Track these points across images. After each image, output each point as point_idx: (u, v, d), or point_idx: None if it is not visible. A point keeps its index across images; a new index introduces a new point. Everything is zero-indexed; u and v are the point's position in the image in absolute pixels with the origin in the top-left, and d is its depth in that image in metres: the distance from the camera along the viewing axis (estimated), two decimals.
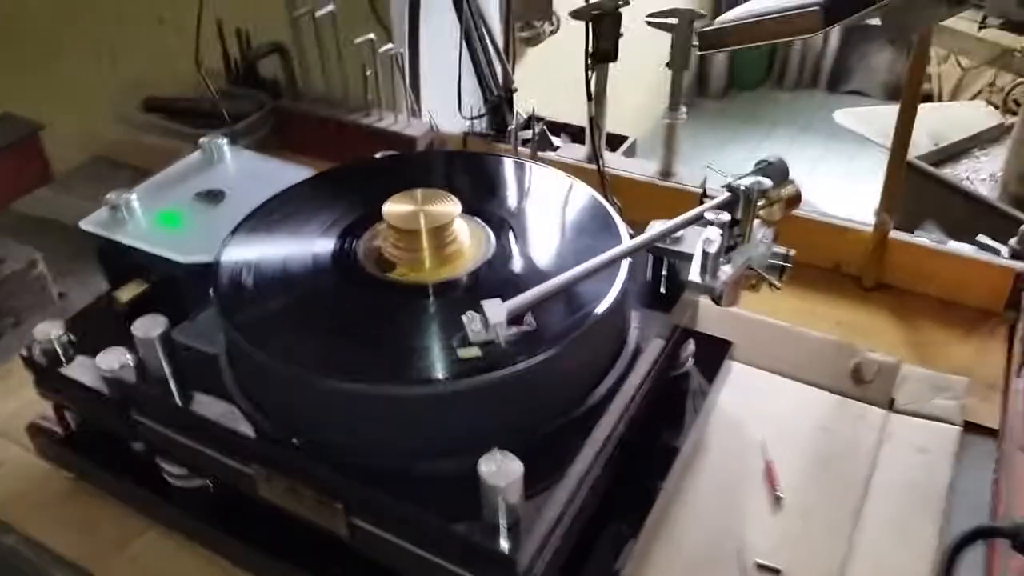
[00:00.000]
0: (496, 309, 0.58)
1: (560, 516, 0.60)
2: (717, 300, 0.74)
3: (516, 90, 1.32)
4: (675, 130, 1.16)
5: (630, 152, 1.57)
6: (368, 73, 1.24)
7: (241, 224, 0.75)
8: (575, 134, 1.44)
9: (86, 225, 0.80)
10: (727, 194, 0.70)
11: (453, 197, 0.70)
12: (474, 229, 0.73)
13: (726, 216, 0.66)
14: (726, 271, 0.68)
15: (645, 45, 1.16)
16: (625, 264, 0.68)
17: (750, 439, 0.86)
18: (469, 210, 0.74)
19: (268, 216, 0.77)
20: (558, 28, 2.20)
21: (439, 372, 0.59)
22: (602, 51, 1.13)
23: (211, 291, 0.68)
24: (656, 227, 0.70)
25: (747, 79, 3.96)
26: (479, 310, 0.58)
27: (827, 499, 0.80)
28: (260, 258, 0.71)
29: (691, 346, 0.84)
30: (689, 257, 0.72)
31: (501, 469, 0.54)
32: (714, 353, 0.87)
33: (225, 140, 0.88)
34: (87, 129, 1.44)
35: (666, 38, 1.10)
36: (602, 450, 0.65)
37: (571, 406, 0.64)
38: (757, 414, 0.89)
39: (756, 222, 0.72)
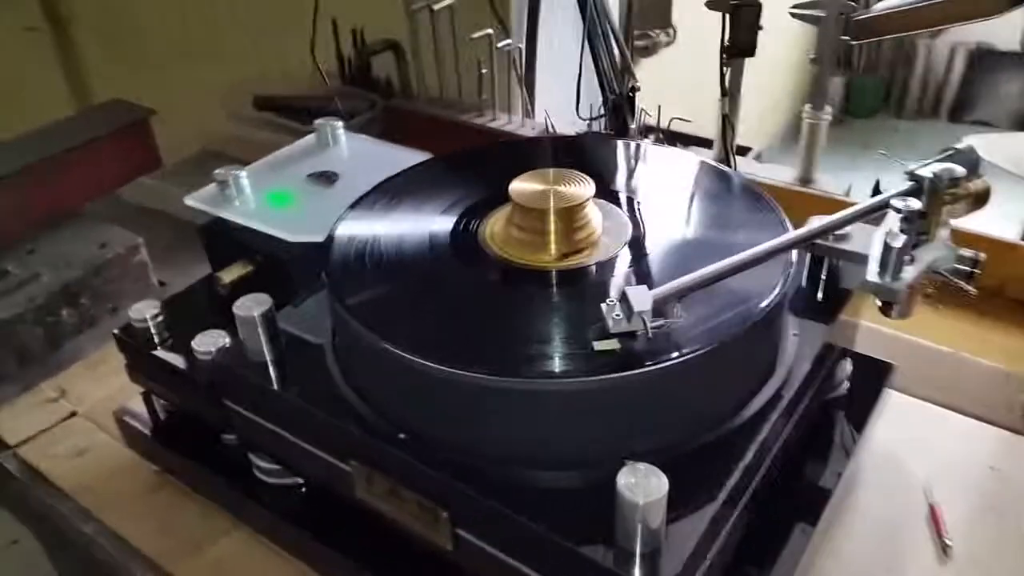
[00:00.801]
0: (641, 296, 0.49)
1: (704, 550, 0.50)
2: (889, 309, 0.63)
3: (639, 89, 1.23)
4: (818, 131, 1.06)
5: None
6: (483, 71, 1.19)
7: (356, 203, 0.69)
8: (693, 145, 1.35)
9: (191, 201, 0.75)
10: (908, 183, 0.60)
11: (588, 178, 0.62)
12: (609, 215, 0.65)
13: (916, 203, 0.56)
14: (909, 272, 0.57)
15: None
16: (791, 258, 0.58)
17: (910, 478, 0.74)
18: (604, 196, 0.66)
19: (383, 196, 0.70)
20: (674, 39, 2.10)
21: (570, 366, 0.51)
22: (739, 44, 1.04)
23: (322, 272, 0.62)
24: (819, 221, 0.60)
25: (863, 106, 3.78)
26: (621, 297, 0.50)
27: (1001, 549, 0.68)
28: (374, 238, 0.65)
29: (848, 366, 0.74)
30: (856, 257, 0.62)
31: (642, 484, 0.45)
32: (872, 376, 0.76)
33: (340, 123, 0.83)
34: (199, 124, 1.44)
35: (782, 35, 1.01)
36: (755, 476, 0.55)
37: (721, 420, 0.55)
38: (918, 449, 0.77)
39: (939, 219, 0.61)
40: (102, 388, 0.90)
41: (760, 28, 1.02)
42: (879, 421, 0.77)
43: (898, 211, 0.55)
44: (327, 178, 0.76)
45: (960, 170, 0.58)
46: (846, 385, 0.74)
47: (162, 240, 1.08)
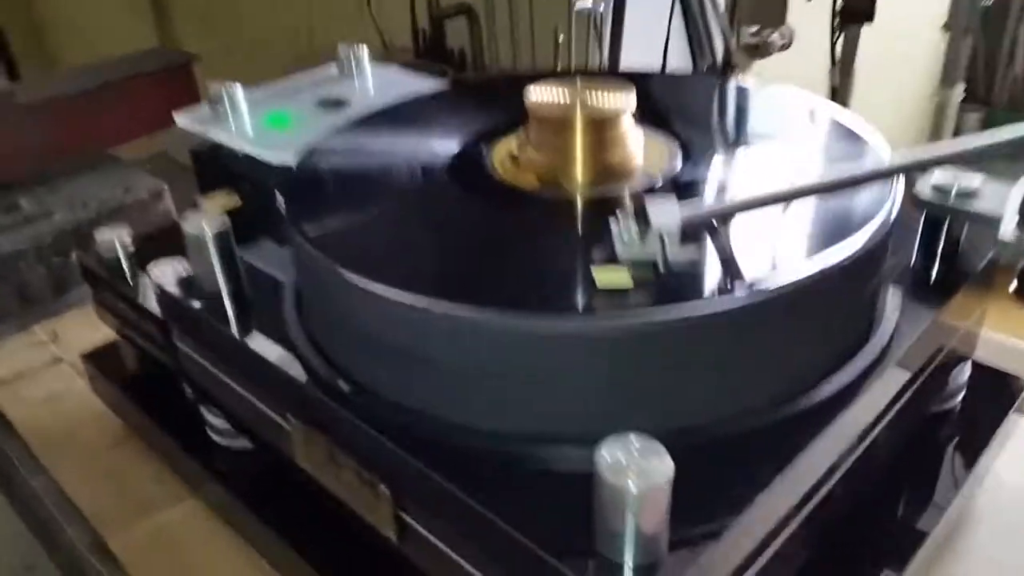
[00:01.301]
0: (666, 210, 0.35)
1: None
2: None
3: (735, 67, 1.08)
4: (945, 112, 0.88)
5: None
6: (560, 38, 1.07)
7: (345, 127, 0.57)
8: None
9: (180, 119, 0.66)
10: None
11: (628, 86, 0.48)
12: (655, 142, 0.51)
13: None
14: None
15: None
16: (892, 191, 0.43)
17: None
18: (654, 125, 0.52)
19: (383, 120, 0.59)
20: (790, 43, 1.92)
21: (566, 305, 0.37)
22: (853, 8, 0.88)
23: (276, 190, 0.50)
24: (936, 150, 0.44)
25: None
26: (638, 211, 0.36)
27: None
28: (355, 160, 0.53)
29: (965, 374, 0.56)
30: (987, 221, 0.46)
31: (636, 465, 0.31)
32: (996, 392, 0.58)
33: (365, 48, 0.72)
34: None
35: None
36: (817, 487, 0.39)
37: (772, 401, 0.39)
38: None
39: None
40: (97, 337, 0.81)
41: None
42: (1006, 452, 0.59)
43: None
44: (337, 104, 0.65)
45: None
46: (960, 399, 0.57)
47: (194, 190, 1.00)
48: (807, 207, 0.43)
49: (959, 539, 0.55)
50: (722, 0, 1.23)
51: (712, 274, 0.37)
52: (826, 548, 0.45)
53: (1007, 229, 0.41)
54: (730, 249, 0.37)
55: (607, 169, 0.47)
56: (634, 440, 0.31)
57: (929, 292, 0.48)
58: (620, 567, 0.32)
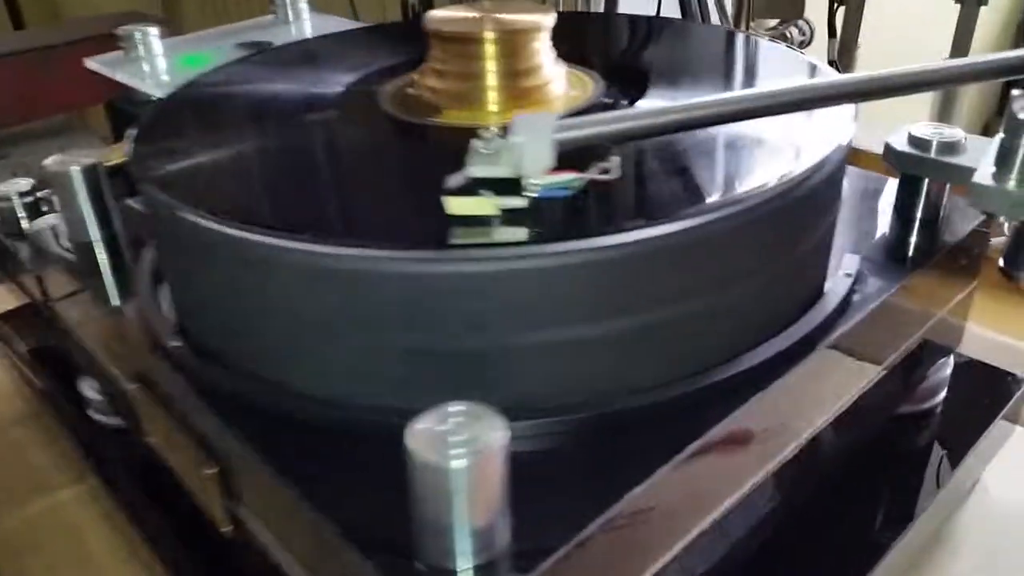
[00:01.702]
0: (537, 124, 0.28)
1: None
2: (1016, 262, 0.39)
3: None
4: (955, 95, 0.80)
5: None
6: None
7: (233, 62, 0.51)
8: None
9: (91, 63, 0.60)
10: None
11: (544, 7, 0.41)
12: (577, 76, 0.44)
13: None
14: None
15: None
16: (841, 119, 0.36)
17: None
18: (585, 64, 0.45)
19: (274, 58, 0.52)
20: (811, 40, 1.83)
21: (421, 241, 0.30)
22: None
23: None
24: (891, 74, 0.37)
25: None
26: (508, 127, 0.29)
27: None
28: (227, 94, 0.46)
29: (947, 369, 0.49)
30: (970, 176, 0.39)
31: (459, 435, 0.24)
32: (984, 392, 0.50)
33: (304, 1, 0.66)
34: None
35: None
36: (734, 486, 0.32)
37: (661, 376, 0.32)
38: None
39: None
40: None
41: None
42: (996, 462, 0.51)
43: None
44: (257, 47, 0.59)
45: None
46: (941, 399, 0.49)
47: None
48: (730, 135, 0.36)
49: (937, 562, 0.47)
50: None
51: (594, 208, 0.30)
52: (765, 561, 0.38)
53: (984, 173, 0.33)
54: (627, 180, 0.30)
55: (520, 96, 0.40)
56: (458, 408, 0.24)
57: (894, 264, 0.41)
58: (451, 573, 0.25)
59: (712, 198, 0.31)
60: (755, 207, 0.30)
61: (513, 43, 0.40)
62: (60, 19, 2.41)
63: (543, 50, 0.41)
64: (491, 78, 0.40)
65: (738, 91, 0.32)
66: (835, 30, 0.81)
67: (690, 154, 0.34)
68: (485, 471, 0.24)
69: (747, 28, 1.27)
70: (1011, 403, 0.49)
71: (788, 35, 1.77)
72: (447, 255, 0.27)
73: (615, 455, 0.29)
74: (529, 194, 0.28)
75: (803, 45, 1.85)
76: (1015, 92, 0.32)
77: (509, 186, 0.28)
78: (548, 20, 0.40)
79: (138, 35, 0.58)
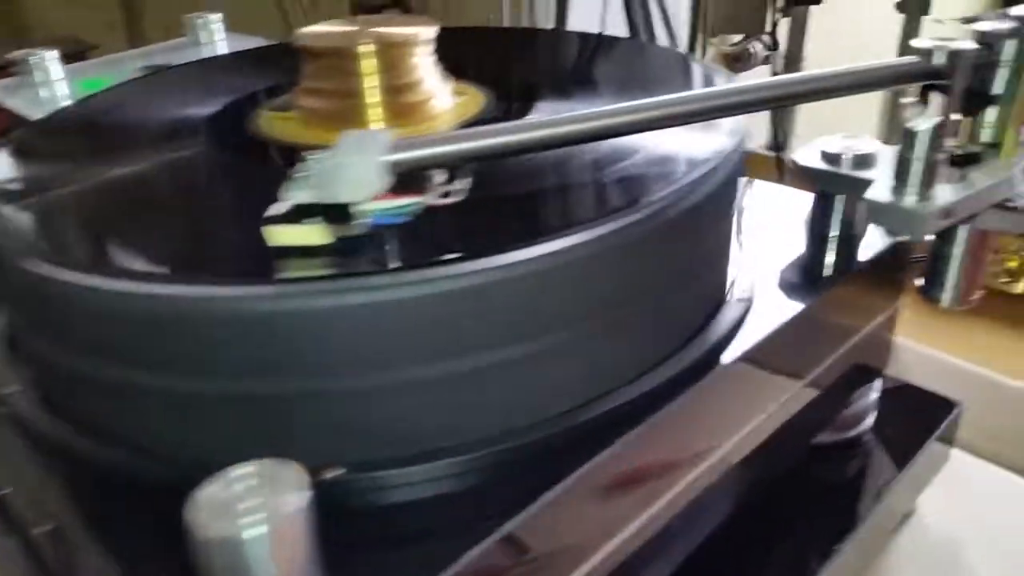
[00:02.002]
0: (365, 144, 0.25)
1: None
2: (933, 285, 0.37)
3: None
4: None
5: None
6: (491, 17, 0.98)
7: (107, 88, 0.48)
8: None
9: None
10: (968, 47, 0.33)
11: (425, 19, 0.39)
12: (467, 92, 0.41)
13: (970, 53, 0.29)
14: (948, 193, 0.31)
15: None
16: (723, 132, 0.33)
17: None
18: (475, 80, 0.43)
19: (153, 83, 0.49)
20: (776, 51, 1.82)
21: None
22: None
23: None
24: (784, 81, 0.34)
25: None
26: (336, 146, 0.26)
27: None
28: (92, 123, 0.43)
29: (873, 393, 0.46)
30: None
31: (248, 500, 0.21)
32: (919, 418, 0.48)
33: (217, 17, 0.64)
34: None
35: None
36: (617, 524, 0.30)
37: (520, 415, 0.29)
38: (988, 540, 0.48)
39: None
40: None
41: None
42: (931, 490, 0.49)
43: (933, 80, 0.29)
44: (159, 71, 0.57)
45: None
46: (870, 424, 0.46)
47: None
48: (599, 152, 0.33)
49: None
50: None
51: (441, 235, 0.27)
52: None
53: (880, 187, 0.31)
54: (480, 202, 0.28)
55: (402, 112, 0.38)
56: (245, 471, 0.21)
57: (804, 285, 0.38)
58: None
59: (572, 221, 0.28)
60: (621, 230, 0.28)
61: (391, 57, 0.37)
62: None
63: (424, 64, 0.38)
64: (370, 95, 0.38)
65: (609, 105, 0.29)
66: (777, 43, 0.79)
67: (552, 174, 0.32)
68: (282, 540, 0.21)
69: (704, 44, 1.26)
70: (942, 429, 0.47)
71: (751, 51, 1.76)
72: (247, 292, 0.24)
73: (476, 503, 0.27)
74: (359, 221, 0.25)
75: (767, 61, 1.85)
76: (904, 101, 0.30)
77: (340, 213, 0.25)
78: (428, 32, 0.38)
79: (33, 60, 0.55)
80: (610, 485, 0.30)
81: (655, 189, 0.30)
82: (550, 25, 1.07)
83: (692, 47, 1.22)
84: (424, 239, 0.26)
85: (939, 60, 0.28)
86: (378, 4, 1.13)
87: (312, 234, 0.25)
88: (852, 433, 0.46)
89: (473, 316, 0.26)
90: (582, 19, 1.04)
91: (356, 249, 0.25)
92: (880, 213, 0.30)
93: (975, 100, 0.33)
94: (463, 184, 0.26)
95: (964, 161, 0.33)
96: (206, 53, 0.63)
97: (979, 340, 0.59)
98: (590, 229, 0.27)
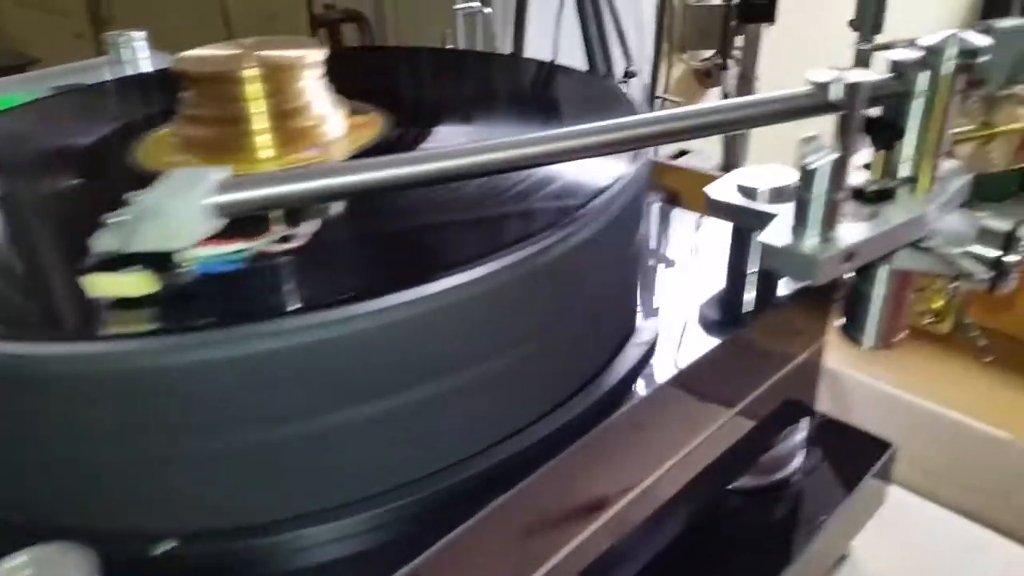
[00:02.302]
0: (187, 185, 0.23)
1: None
2: (853, 328, 0.35)
3: (635, 74, 0.97)
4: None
5: None
6: (448, 45, 0.96)
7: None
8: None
9: None
10: (881, 76, 0.31)
11: (312, 41, 0.37)
12: (362, 115, 0.39)
13: (866, 86, 0.27)
14: (851, 233, 0.29)
15: None
16: (628, 166, 0.31)
17: None
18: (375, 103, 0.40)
19: (43, 108, 0.47)
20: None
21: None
22: (755, 5, 0.77)
23: None
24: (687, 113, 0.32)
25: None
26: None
27: None
28: None
29: (798, 435, 0.44)
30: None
31: None
32: (853, 459, 0.46)
33: (141, 35, 0.62)
34: None
35: None
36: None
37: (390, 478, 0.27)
38: None
39: (948, 158, 0.33)
40: None
41: None
42: (868, 536, 0.47)
43: (830, 112, 0.26)
44: (71, 90, 0.54)
45: (982, 42, 0.30)
46: (797, 466, 0.44)
47: None
48: (468, 191, 0.31)
49: None
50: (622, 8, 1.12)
51: (282, 284, 0.25)
52: None
53: (777, 229, 0.29)
54: (308, 232, 0.25)
55: (292, 139, 0.35)
56: (20, 560, 0.19)
57: (717, 325, 0.36)
58: None
59: (433, 267, 0.26)
60: (485, 278, 0.26)
61: (278, 81, 0.35)
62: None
63: (313, 88, 0.36)
64: (256, 120, 0.35)
65: (507, 136, 0.27)
66: (727, 61, 0.77)
67: (417, 212, 0.30)
68: None
69: (671, 61, 1.24)
70: (875, 470, 0.45)
71: (721, 66, 1.75)
72: (53, 349, 0.22)
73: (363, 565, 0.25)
74: (182, 269, 0.23)
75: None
76: (804, 137, 0.28)
77: (164, 260, 0.23)
78: (315, 55, 0.36)
79: None
80: (512, 533, 0.28)
81: (532, 229, 0.27)
82: (507, 39, 1.05)
83: (657, 63, 1.21)
84: (259, 289, 0.24)
85: (836, 94, 0.26)
86: (336, 19, 1.11)
87: (133, 284, 0.23)
88: (779, 476, 0.44)
89: (319, 372, 0.23)
90: (538, 34, 1.02)
91: (184, 299, 0.23)
92: (773, 258, 0.28)
93: (888, 133, 0.31)
94: (309, 228, 0.24)
95: (877, 197, 0.31)
96: (129, 71, 0.60)
97: (917, 367, 0.57)
98: (451, 276, 0.25)
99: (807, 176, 0.27)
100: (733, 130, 0.28)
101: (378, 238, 0.29)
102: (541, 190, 0.31)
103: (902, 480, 0.51)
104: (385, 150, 0.36)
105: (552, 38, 0.96)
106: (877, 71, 0.32)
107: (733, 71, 1.41)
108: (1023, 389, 0.57)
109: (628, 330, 0.34)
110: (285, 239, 0.24)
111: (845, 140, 0.26)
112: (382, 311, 0.23)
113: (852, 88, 0.26)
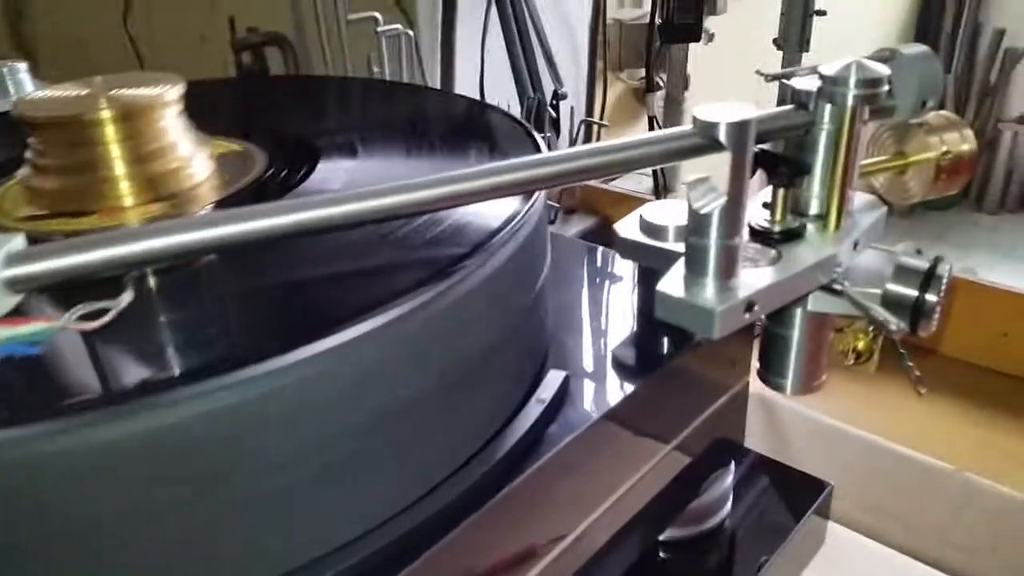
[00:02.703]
0: None
1: None
2: (771, 372, 0.33)
3: (565, 96, 0.96)
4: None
5: None
6: (376, 69, 0.94)
7: None
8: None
9: None
10: (784, 108, 0.29)
11: (172, 77, 0.34)
12: (236, 152, 0.36)
13: (749, 117, 0.25)
14: (753, 283, 0.26)
15: None
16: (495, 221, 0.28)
17: None
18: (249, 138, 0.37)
19: None
20: (686, 86, 1.82)
21: None
22: (678, 25, 0.75)
23: None
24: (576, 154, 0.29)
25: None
26: None
27: None
28: None
29: (727, 479, 0.42)
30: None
31: None
32: (788, 501, 0.44)
33: (23, 66, 0.58)
34: None
35: None
36: None
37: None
38: None
39: (858, 191, 0.31)
40: None
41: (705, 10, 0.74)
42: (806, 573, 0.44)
43: (714, 152, 0.24)
44: None
45: (879, 70, 0.27)
46: (727, 512, 0.42)
47: None
48: (327, 245, 0.28)
49: None
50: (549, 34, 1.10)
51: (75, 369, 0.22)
52: None
53: (672, 278, 0.26)
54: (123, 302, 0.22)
55: (153, 185, 0.32)
56: None
57: (628, 372, 0.34)
58: None
59: (289, 334, 0.23)
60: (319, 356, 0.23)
61: (136, 122, 0.32)
62: None
63: (174, 127, 0.33)
64: (113, 167, 0.32)
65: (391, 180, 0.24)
66: (652, 83, 0.76)
67: (267, 274, 0.27)
68: None
69: (605, 81, 1.22)
70: (812, 511, 0.43)
71: (659, 83, 1.75)
72: None
73: None
74: None
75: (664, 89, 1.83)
76: (689, 180, 0.25)
77: None
78: (174, 91, 0.32)
79: None
80: None
81: (400, 286, 0.25)
82: (435, 62, 1.02)
83: (592, 83, 1.19)
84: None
85: (723, 133, 0.24)
86: (258, 42, 1.07)
87: None
88: (711, 523, 0.42)
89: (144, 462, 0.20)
90: (466, 57, 1.00)
91: None
92: (668, 309, 0.25)
93: (789, 169, 0.29)
94: (122, 300, 0.21)
95: (782, 238, 0.29)
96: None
97: (855, 396, 0.55)
98: (292, 353, 0.22)
99: (698, 221, 0.25)
100: (615, 173, 0.26)
101: (201, 306, 0.26)
102: (415, 236, 0.28)
103: (842, 517, 0.49)
104: (256, 192, 0.33)
105: (479, 61, 0.94)
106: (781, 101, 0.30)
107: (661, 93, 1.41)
108: (965, 417, 0.56)
109: (528, 385, 0.32)
110: (95, 314, 0.20)
111: (736, 182, 0.24)
112: (188, 400, 0.20)
113: (738, 128, 0.23)
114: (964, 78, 3.08)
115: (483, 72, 0.92)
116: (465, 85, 1.01)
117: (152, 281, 0.26)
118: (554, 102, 0.91)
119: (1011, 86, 3.11)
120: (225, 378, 0.21)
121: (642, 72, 1.61)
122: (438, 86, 1.00)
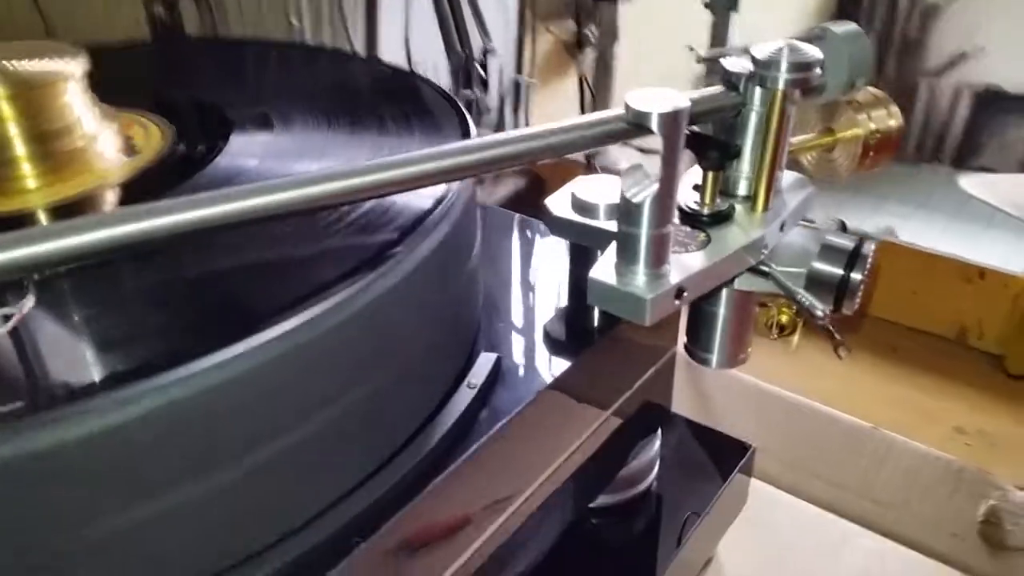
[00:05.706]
0: None
1: None
2: (691, 349, 0.33)
3: (494, 51, 0.94)
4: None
5: None
6: (294, 22, 0.90)
7: None
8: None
9: None
10: (714, 89, 0.29)
11: (73, 49, 0.32)
12: (143, 127, 0.34)
13: (680, 107, 0.24)
14: (683, 269, 0.26)
15: None
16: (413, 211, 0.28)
17: None
18: (163, 109, 0.35)
19: None
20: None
21: None
22: None
23: None
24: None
25: None
26: None
27: None
28: None
29: (655, 446, 0.42)
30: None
31: None
32: (713, 462, 0.45)
33: None
34: None
35: None
36: None
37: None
38: None
39: (786, 171, 0.31)
40: None
41: None
42: (732, 541, 0.46)
43: (641, 136, 0.23)
44: None
45: (812, 54, 0.27)
46: (654, 478, 0.43)
47: None
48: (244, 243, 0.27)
49: None
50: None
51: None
52: None
53: (605, 257, 0.26)
54: (25, 309, 0.20)
55: (59, 165, 0.30)
56: None
57: (558, 349, 0.34)
58: None
59: (199, 341, 0.22)
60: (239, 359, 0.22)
61: (35, 99, 0.30)
62: None
63: (78, 103, 0.31)
64: (12, 147, 0.30)
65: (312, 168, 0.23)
66: (582, 38, 0.75)
67: (182, 274, 0.26)
68: None
69: (534, 32, 1.20)
70: (735, 473, 0.44)
71: (589, 37, 1.72)
72: None
73: None
74: None
75: (596, 43, 1.81)
76: (625, 166, 0.25)
77: None
78: (77, 66, 0.30)
79: None
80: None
81: (325, 279, 0.24)
82: (359, 21, 0.99)
83: (521, 36, 1.17)
84: None
85: (651, 121, 0.23)
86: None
87: None
88: (639, 488, 0.42)
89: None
90: (392, 15, 0.96)
91: None
92: (600, 296, 0.25)
93: (719, 152, 0.29)
94: (23, 305, 0.19)
95: (711, 221, 0.29)
96: None
97: (778, 356, 0.57)
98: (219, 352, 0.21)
99: (630, 210, 0.25)
100: (546, 158, 0.25)
101: (118, 302, 0.25)
102: (339, 221, 0.27)
103: (765, 475, 0.51)
104: (166, 170, 0.32)
105: (404, 17, 0.91)
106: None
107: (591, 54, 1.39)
108: (883, 375, 0.58)
109: (459, 369, 0.31)
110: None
111: (668, 170, 0.24)
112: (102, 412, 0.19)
113: (671, 118, 0.23)
114: (885, 31, 3.14)
115: (408, 27, 0.89)
116: (390, 42, 0.98)
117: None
118: (483, 59, 0.90)
119: (929, 40, 3.19)
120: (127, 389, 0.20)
121: (571, 24, 1.59)
122: (361, 42, 0.96)
